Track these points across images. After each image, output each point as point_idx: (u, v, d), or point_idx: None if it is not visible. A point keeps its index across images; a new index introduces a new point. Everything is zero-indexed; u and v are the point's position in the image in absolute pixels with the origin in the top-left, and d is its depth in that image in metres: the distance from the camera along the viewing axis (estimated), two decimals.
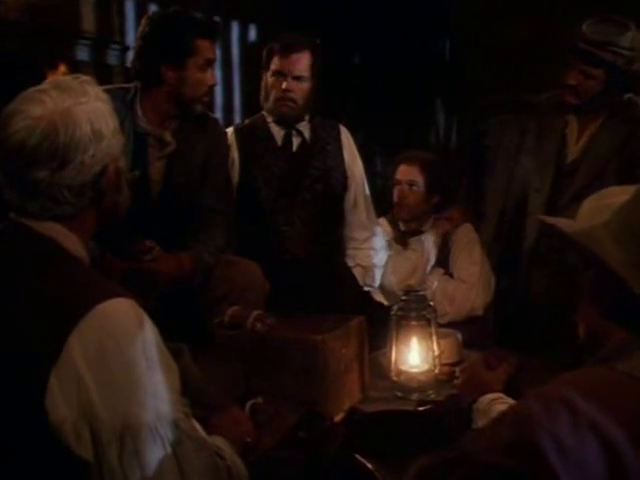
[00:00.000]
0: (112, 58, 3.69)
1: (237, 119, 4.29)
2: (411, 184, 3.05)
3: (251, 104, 3.45)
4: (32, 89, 1.35)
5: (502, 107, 4.19)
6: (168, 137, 2.46)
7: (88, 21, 3.61)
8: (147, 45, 2.40)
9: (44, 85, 1.36)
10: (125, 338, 1.25)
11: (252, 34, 4.62)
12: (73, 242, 1.35)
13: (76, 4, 3.55)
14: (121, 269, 2.23)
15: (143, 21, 2.45)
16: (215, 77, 2.50)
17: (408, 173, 3.07)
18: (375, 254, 2.95)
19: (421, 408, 1.97)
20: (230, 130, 2.86)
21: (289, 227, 2.78)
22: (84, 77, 1.40)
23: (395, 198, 3.09)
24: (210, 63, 2.45)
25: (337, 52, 3.25)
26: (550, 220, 1.37)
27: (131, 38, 3.69)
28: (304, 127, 2.86)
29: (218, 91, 4.29)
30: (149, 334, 1.28)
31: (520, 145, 3.61)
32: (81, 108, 1.32)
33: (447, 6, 4.53)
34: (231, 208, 2.63)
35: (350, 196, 2.92)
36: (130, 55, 3.06)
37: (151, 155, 2.45)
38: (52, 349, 1.22)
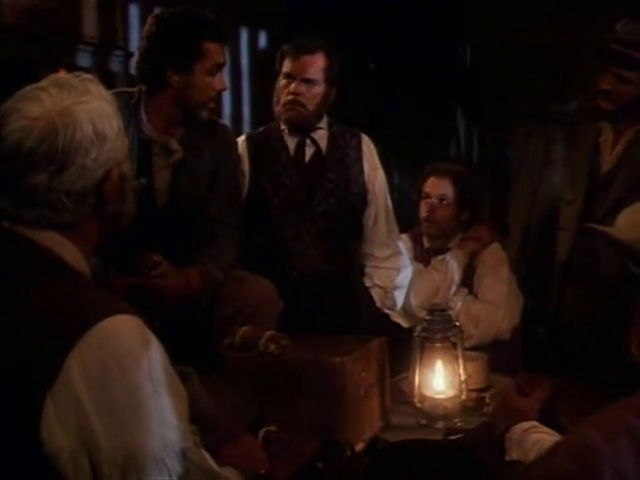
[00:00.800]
0: (115, 65, 3.69)
1: (246, 129, 4.28)
2: (441, 198, 3.02)
3: (261, 114, 3.45)
4: (30, 87, 1.31)
5: (527, 116, 4.25)
6: (174, 145, 2.43)
7: (90, 25, 3.60)
8: (152, 46, 2.37)
9: (43, 82, 1.32)
10: (129, 359, 1.21)
11: (262, 40, 4.63)
12: (73, 253, 1.31)
13: (77, 7, 3.54)
14: (125, 285, 2.19)
15: (149, 20, 2.42)
16: (224, 82, 2.47)
17: (439, 186, 3.03)
18: (396, 274, 2.88)
19: (450, 437, 1.91)
20: (242, 138, 2.83)
21: (296, 242, 2.73)
22: (86, 75, 1.37)
23: (423, 213, 3.05)
24: (219, 67, 2.42)
25: (351, 58, 3.22)
26: (601, 228, 1.32)
27: (135, 44, 3.65)
28: (320, 136, 2.81)
29: (226, 100, 4.29)
30: (156, 355, 1.23)
31: (547, 157, 3.60)
32: (82, 107, 1.29)
33: (467, 8, 4.49)
34: (241, 220, 2.60)
35: (370, 211, 2.86)
36: (134, 62, 3.09)
37: (156, 164, 2.42)
38: (48, 370, 1.17)
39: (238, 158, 2.68)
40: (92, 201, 1.30)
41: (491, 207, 4.22)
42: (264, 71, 3.89)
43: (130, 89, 2.50)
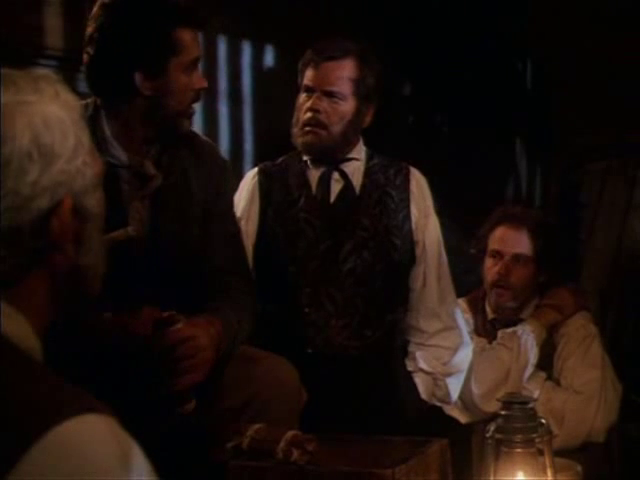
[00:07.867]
0: (84, 84, 3.56)
1: (247, 168, 4.22)
2: (517, 256, 2.94)
3: (267, 149, 3.42)
4: None
5: (603, 151, 4.29)
6: (151, 169, 2.31)
7: (54, 35, 3.56)
8: (107, 45, 2.23)
9: None
10: None
11: (269, 58, 4.63)
12: (16, 324, 1.17)
13: (39, 13, 3.51)
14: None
15: (95, 9, 2.25)
16: (203, 78, 2.37)
17: (514, 241, 2.99)
18: (449, 355, 2.78)
19: None
20: (253, 172, 2.82)
21: (313, 309, 2.66)
22: (46, 72, 1.26)
23: (492, 275, 2.98)
24: (196, 62, 2.33)
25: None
26: None
27: None
28: (354, 169, 2.75)
29: (224, 132, 4.24)
30: (140, 474, 1.10)
31: (629, 201, 3.67)
32: (23, 109, 1.17)
33: (527, 15, 4.52)
34: (250, 271, 2.51)
35: (418, 271, 2.78)
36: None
37: (126, 195, 2.30)
38: None
39: (235, 187, 2.61)
40: (33, 244, 1.18)
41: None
42: (271, 95, 3.79)
43: (83, 101, 2.39)
